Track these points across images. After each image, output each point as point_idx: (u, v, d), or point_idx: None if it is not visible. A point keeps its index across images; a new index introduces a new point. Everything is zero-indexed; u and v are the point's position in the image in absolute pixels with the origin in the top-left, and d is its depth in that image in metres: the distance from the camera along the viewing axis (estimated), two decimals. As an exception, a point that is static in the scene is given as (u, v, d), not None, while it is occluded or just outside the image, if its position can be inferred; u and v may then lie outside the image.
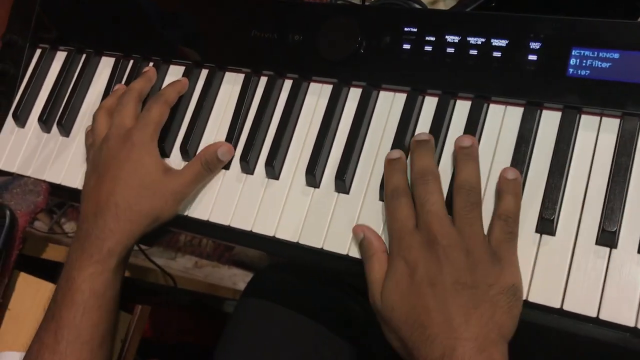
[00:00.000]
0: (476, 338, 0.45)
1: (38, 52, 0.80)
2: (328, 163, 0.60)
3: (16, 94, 0.78)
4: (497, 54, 0.56)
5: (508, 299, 0.47)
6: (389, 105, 0.60)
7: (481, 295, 0.47)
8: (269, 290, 0.76)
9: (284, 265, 0.81)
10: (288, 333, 0.71)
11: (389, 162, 0.55)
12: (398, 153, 0.55)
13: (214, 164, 0.62)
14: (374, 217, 0.56)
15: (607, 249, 0.49)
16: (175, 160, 0.66)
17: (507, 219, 0.50)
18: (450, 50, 0.58)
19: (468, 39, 0.57)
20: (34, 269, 0.77)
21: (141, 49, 0.73)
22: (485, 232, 0.51)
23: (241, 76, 0.67)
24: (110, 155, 0.62)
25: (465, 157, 0.52)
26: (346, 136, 0.60)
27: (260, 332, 0.72)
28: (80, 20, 0.78)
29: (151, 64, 0.72)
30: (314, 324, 0.70)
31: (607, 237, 0.48)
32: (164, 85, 0.68)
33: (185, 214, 0.63)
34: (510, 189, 0.51)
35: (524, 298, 0.49)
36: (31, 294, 0.75)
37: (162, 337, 1.11)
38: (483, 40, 0.56)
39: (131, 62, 0.73)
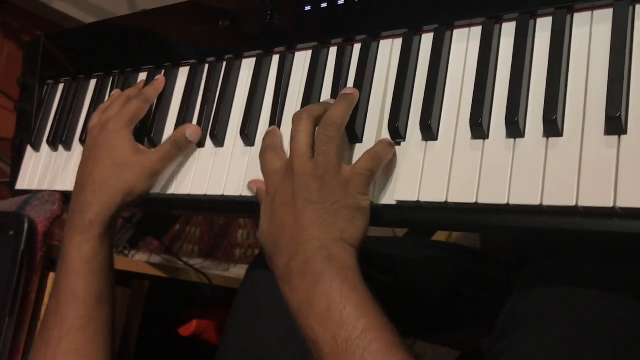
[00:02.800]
0: (318, 239, 0.53)
1: (45, 88, 0.94)
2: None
3: (34, 127, 0.92)
4: (377, -5, 0.62)
5: (350, 212, 0.54)
6: (303, 63, 0.67)
7: (325, 209, 0.54)
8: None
9: None
10: None
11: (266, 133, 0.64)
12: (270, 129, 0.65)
13: (183, 144, 0.71)
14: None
15: (481, 141, 0.53)
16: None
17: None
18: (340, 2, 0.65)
19: (353, -11, 0.64)
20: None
21: (116, 65, 0.85)
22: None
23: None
24: (91, 143, 0.73)
25: (342, 98, 0.59)
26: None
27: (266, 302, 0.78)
28: (72, 55, 0.92)
29: (143, 73, 0.83)
30: None
31: (478, 131, 0.53)
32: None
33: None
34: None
35: (416, 199, 0.54)
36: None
37: (208, 338, 1.20)
38: (365, -13, 0.63)
39: (110, 78, 0.85)
